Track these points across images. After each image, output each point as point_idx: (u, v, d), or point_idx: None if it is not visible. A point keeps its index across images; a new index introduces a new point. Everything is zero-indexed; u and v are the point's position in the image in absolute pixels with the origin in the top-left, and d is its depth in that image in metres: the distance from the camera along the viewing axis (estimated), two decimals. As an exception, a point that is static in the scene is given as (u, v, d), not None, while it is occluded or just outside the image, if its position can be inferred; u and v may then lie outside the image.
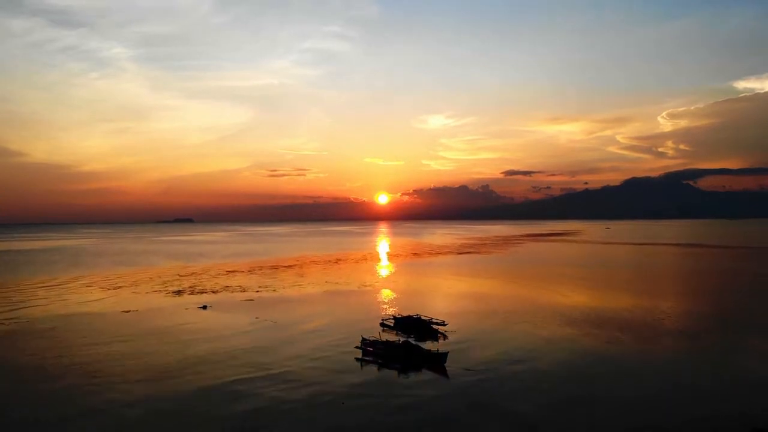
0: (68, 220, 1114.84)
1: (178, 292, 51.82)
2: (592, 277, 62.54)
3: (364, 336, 29.24)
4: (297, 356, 27.25)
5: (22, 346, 30.45)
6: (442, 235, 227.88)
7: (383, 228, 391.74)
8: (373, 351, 27.59)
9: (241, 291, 52.34)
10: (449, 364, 25.20)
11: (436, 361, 25.48)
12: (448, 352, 26.04)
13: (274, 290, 52.70)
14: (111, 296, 49.95)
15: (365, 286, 56.26)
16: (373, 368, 25.46)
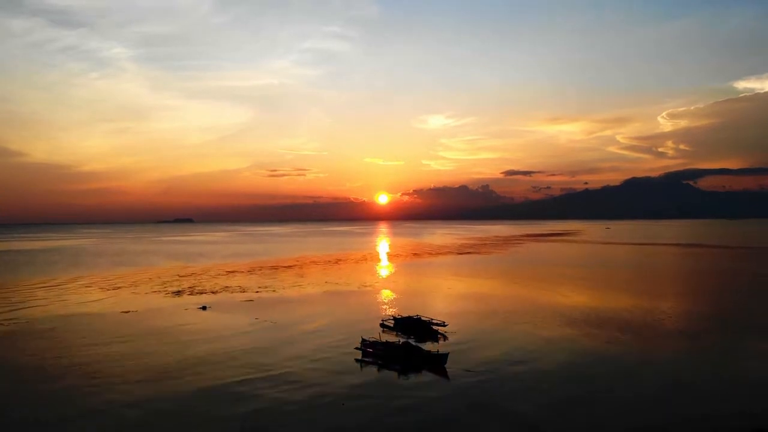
0: (68, 220, 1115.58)
1: (178, 293, 51.79)
2: (592, 278, 62.50)
3: (364, 337, 29.18)
4: (297, 357, 27.23)
5: (21, 346, 30.44)
6: (442, 235, 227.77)
7: (383, 228, 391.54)
8: (373, 352, 27.54)
9: (240, 291, 52.30)
10: (450, 365, 25.16)
11: (437, 362, 25.42)
12: (448, 353, 26.00)
13: (273, 291, 52.66)
14: (110, 297, 49.91)
15: (365, 286, 56.22)
16: (373, 369, 25.43)
